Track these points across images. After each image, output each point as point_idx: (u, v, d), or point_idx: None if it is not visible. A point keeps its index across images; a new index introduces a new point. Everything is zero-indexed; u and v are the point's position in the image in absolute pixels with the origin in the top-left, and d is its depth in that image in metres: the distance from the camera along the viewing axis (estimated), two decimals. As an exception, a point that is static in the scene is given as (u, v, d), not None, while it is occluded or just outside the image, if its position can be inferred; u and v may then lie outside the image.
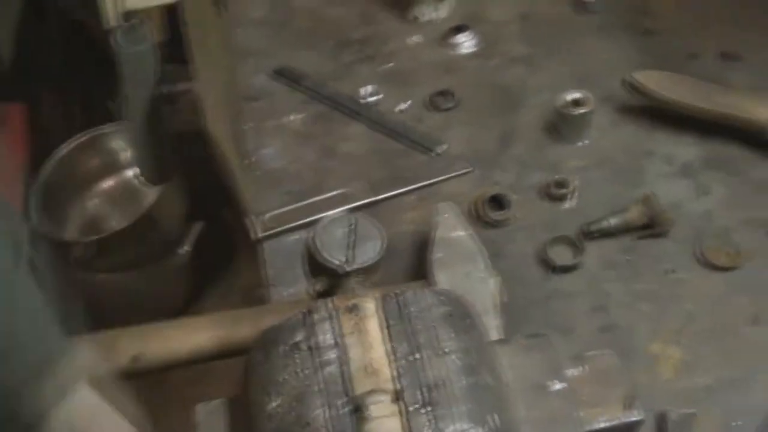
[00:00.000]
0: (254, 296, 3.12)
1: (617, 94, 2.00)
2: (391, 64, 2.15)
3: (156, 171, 2.84)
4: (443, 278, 1.55)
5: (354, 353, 1.14)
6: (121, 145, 3.07)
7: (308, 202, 1.83)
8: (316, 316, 1.18)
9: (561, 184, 1.84)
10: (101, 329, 1.55)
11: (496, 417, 1.12)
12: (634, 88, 1.94)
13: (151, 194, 2.91)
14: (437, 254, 1.59)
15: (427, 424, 1.08)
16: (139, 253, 2.93)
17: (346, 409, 1.09)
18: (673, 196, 1.83)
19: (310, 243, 1.30)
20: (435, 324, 1.18)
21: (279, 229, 1.79)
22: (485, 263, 1.58)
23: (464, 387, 1.13)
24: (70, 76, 3.27)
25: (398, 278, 1.64)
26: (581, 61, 2.14)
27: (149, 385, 1.94)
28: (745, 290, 1.68)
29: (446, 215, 1.68)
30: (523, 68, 2.14)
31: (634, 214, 1.76)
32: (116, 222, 3.01)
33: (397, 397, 1.10)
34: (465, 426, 1.09)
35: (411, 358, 1.14)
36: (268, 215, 1.81)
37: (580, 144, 1.95)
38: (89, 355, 1.23)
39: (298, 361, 1.15)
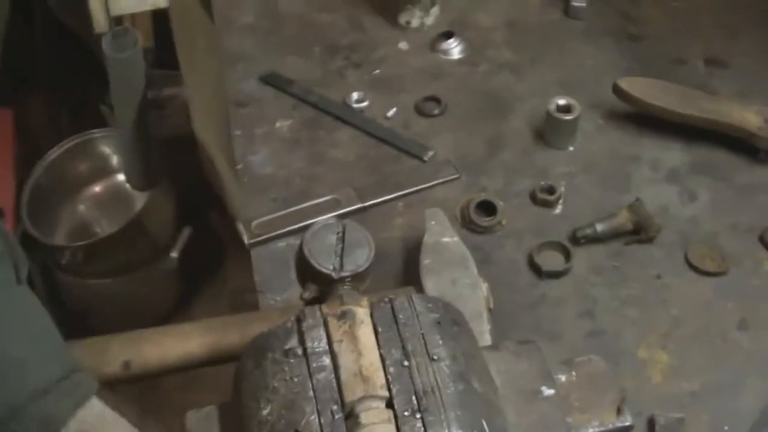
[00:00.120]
0: (243, 301, 3.15)
1: (604, 100, 2.02)
2: (378, 71, 2.16)
3: (143, 177, 2.85)
4: (431, 285, 1.56)
5: (345, 360, 1.14)
6: (110, 150, 3.07)
7: (296, 209, 1.83)
8: (306, 323, 1.19)
9: (548, 190, 1.85)
10: (90, 334, 1.55)
11: (486, 423, 1.13)
12: (621, 93, 1.95)
13: (140, 199, 2.92)
14: (426, 260, 1.60)
15: (419, 430, 1.08)
16: (128, 258, 2.94)
17: (339, 416, 1.10)
18: (660, 201, 1.84)
19: (300, 250, 1.30)
20: (426, 330, 1.19)
21: (267, 235, 1.79)
22: (473, 269, 1.59)
23: (454, 393, 1.13)
24: (58, 81, 3.27)
25: (387, 284, 1.65)
26: (568, 67, 2.15)
27: (139, 391, 1.95)
28: (732, 295, 1.69)
29: (433, 221, 1.68)
30: (511, 74, 2.15)
31: (622, 220, 1.77)
32: (105, 227, 3.02)
33: (389, 403, 1.11)
34: (456, 432, 1.10)
35: (403, 364, 1.14)
36: (255, 222, 1.81)
37: (567, 150, 1.96)
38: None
39: (289, 367, 1.15)
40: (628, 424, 1.30)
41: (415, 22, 2.25)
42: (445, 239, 1.65)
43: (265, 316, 1.54)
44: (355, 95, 2.07)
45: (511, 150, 1.97)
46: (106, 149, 3.10)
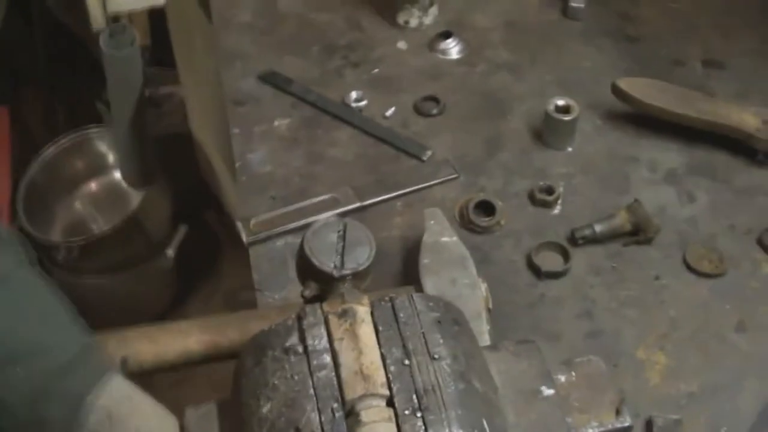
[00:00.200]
0: (238, 299, 3.15)
1: (602, 100, 2.02)
2: (377, 70, 2.16)
3: (139, 174, 2.85)
4: (430, 284, 1.56)
5: (346, 358, 1.14)
6: (106, 148, 3.07)
7: (295, 208, 1.83)
8: (307, 321, 1.19)
9: (547, 191, 1.85)
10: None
11: (486, 423, 1.12)
12: (620, 94, 1.95)
13: (136, 197, 2.92)
14: (426, 260, 1.60)
15: (419, 429, 1.08)
16: (123, 256, 2.94)
17: (339, 414, 1.09)
18: (658, 202, 1.84)
19: (301, 248, 1.30)
20: (426, 329, 1.18)
21: (265, 234, 1.79)
22: (472, 269, 1.59)
23: (454, 393, 1.13)
24: (54, 78, 3.27)
25: (385, 283, 1.65)
26: (566, 67, 2.16)
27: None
28: (730, 297, 1.70)
29: (432, 221, 1.68)
30: (509, 75, 2.15)
31: (620, 221, 1.77)
32: (101, 224, 3.01)
33: (389, 402, 1.11)
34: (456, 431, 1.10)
35: (404, 363, 1.14)
36: (254, 220, 1.81)
37: (566, 150, 1.96)
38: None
39: (289, 365, 1.15)
40: (627, 424, 1.30)
41: (413, 22, 2.25)
42: (444, 239, 1.64)
43: (263, 315, 1.53)
44: (353, 94, 2.06)
45: (509, 150, 1.97)
46: (103, 147, 3.09)
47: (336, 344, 1.16)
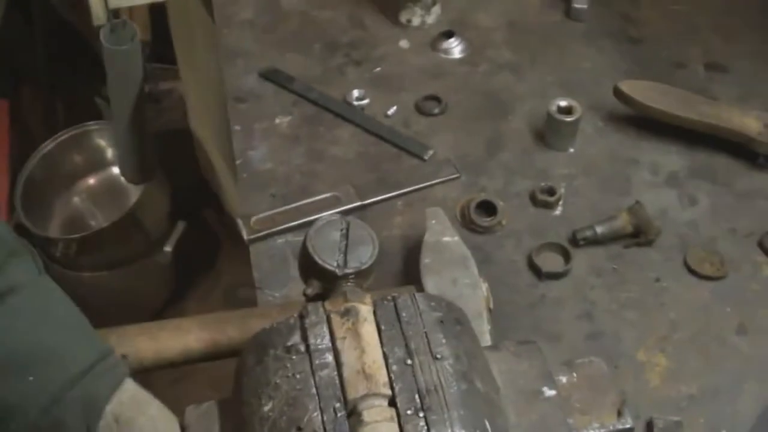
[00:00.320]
0: (237, 296, 3.15)
1: (604, 102, 2.02)
2: (379, 69, 2.16)
3: (138, 170, 2.84)
4: (431, 284, 1.56)
5: (348, 357, 1.14)
6: (106, 143, 3.07)
7: (296, 206, 1.83)
8: (309, 320, 1.18)
9: (549, 191, 1.85)
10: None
11: (488, 423, 1.12)
12: (622, 96, 1.95)
13: (134, 193, 2.91)
14: (427, 259, 1.59)
15: (422, 429, 1.08)
16: (121, 252, 2.94)
17: (341, 413, 1.09)
18: (660, 205, 1.84)
19: (303, 246, 1.30)
20: (429, 329, 1.18)
21: (266, 231, 1.78)
22: (473, 269, 1.59)
23: (457, 393, 1.13)
24: (54, 77, 3.27)
25: (387, 282, 1.65)
26: (568, 68, 2.15)
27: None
28: (731, 300, 1.70)
29: (434, 221, 1.68)
30: (511, 75, 2.15)
31: (621, 223, 1.77)
32: (100, 220, 3.01)
33: (392, 401, 1.11)
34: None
35: (406, 362, 1.14)
36: (254, 218, 1.80)
37: (567, 152, 1.96)
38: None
39: (291, 364, 1.15)
40: (628, 426, 1.30)
41: (415, 21, 2.25)
42: (446, 239, 1.64)
43: (263, 313, 1.53)
44: (355, 93, 2.06)
45: (511, 150, 1.97)
46: (101, 142, 3.09)
47: (338, 343, 1.15)
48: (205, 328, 1.51)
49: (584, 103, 1.96)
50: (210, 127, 2.86)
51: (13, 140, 2.95)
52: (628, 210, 1.78)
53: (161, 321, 1.60)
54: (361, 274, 1.27)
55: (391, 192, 1.87)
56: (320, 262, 1.26)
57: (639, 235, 1.77)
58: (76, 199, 3.11)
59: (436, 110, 2.04)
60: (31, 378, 1.16)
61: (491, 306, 1.54)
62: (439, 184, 1.90)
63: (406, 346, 1.16)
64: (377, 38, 2.24)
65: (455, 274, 1.57)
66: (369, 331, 1.17)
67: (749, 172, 1.92)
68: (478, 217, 1.80)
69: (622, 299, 1.70)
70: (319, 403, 1.10)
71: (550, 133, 1.96)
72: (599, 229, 1.76)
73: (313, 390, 1.12)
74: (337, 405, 1.10)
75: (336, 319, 1.17)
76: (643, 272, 1.74)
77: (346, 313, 1.18)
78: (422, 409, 1.10)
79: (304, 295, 1.27)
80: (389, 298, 1.22)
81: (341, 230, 1.30)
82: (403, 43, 2.22)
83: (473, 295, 1.54)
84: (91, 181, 3.13)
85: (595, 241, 1.76)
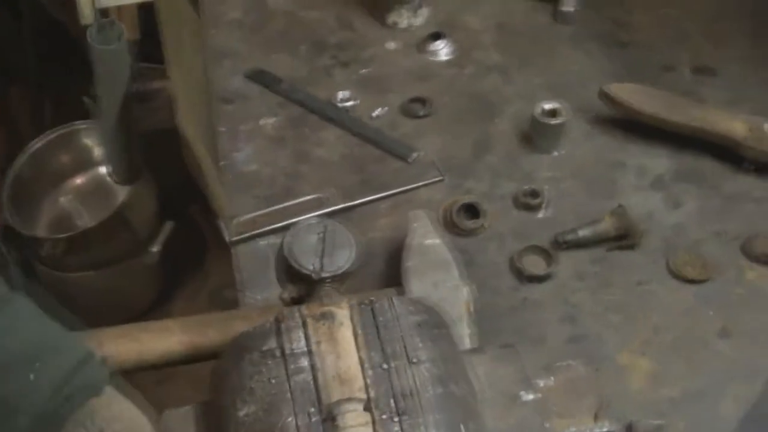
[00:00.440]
0: (223, 297, 3.14)
1: (591, 105, 2.01)
2: (366, 70, 2.15)
3: (126, 170, 2.84)
4: (415, 286, 1.55)
5: (326, 361, 1.13)
6: (94, 142, 3.06)
7: (279, 207, 1.82)
8: (285, 324, 1.18)
9: (534, 194, 1.85)
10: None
11: (464, 427, 1.12)
12: (608, 99, 1.95)
13: (122, 192, 2.91)
14: (409, 262, 1.59)
15: (398, 434, 1.08)
16: (108, 252, 2.93)
17: (316, 418, 1.09)
18: (645, 208, 1.84)
19: (282, 249, 1.29)
20: (406, 333, 1.18)
21: (250, 233, 1.78)
22: (458, 272, 1.58)
23: (434, 397, 1.13)
24: (43, 76, 3.26)
25: (371, 285, 1.64)
26: (556, 71, 2.15)
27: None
28: (714, 303, 1.69)
29: (417, 224, 1.68)
30: (498, 77, 2.14)
31: (606, 226, 1.76)
32: (87, 219, 3.00)
33: (367, 406, 1.10)
34: (434, 436, 1.09)
35: (382, 367, 1.14)
36: (238, 219, 1.79)
37: (553, 154, 1.95)
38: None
39: (266, 369, 1.15)
40: (606, 429, 1.30)
41: (403, 23, 2.25)
42: (428, 241, 1.64)
43: (245, 315, 1.52)
44: (341, 94, 2.05)
45: (497, 153, 1.96)
46: (89, 141, 3.08)
47: (314, 348, 1.15)
48: (186, 330, 1.51)
49: (571, 106, 1.96)
50: (197, 127, 2.85)
51: (1, 139, 2.94)
52: (612, 213, 1.77)
53: (143, 323, 1.60)
54: (339, 278, 1.27)
55: (375, 194, 1.86)
56: (297, 266, 1.26)
57: (623, 238, 1.77)
58: (63, 199, 3.09)
59: (422, 112, 2.04)
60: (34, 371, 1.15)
61: (473, 309, 1.54)
62: (425, 186, 1.89)
63: (383, 350, 1.16)
64: (365, 39, 2.23)
65: (439, 276, 1.57)
66: (345, 335, 1.16)
67: (735, 175, 1.91)
68: (460, 220, 1.79)
69: (605, 302, 1.69)
70: (294, 408, 1.10)
71: (536, 135, 1.96)
72: (582, 233, 1.76)
73: (288, 395, 1.11)
74: (312, 410, 1.10)
75: (312, 324, 1.17)
76: (627, 275, 1.74)
77: (323, 317, 1.18)
78: (398, 413, 1.10)
79: (281, 299, 1.27)
80: (366, 302, 1.22)
81: (319, 234, 1.30)
82: (391, 45, 2.21)
83: (457, 297, 1.53)
84: (79, 180, 3.12)
85: (578, 245, 1.76)
